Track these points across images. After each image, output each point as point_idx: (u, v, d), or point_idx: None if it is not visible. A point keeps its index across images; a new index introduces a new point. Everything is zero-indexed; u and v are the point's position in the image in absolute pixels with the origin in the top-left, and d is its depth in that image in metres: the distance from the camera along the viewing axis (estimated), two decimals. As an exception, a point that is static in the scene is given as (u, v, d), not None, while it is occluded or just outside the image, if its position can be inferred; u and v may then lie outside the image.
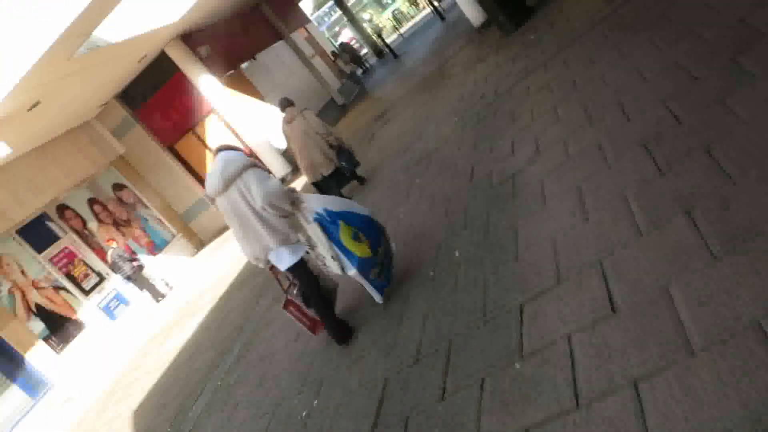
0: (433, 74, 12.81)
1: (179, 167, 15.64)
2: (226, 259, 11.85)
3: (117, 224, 14.41)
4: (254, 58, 17.20)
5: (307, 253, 4.15)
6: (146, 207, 15.42)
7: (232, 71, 15.79)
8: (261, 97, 16.30)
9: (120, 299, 13.15)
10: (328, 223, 3.99)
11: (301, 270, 4.21)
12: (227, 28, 16.59)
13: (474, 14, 12.92)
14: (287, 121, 7.70)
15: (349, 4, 35.09)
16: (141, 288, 12.76)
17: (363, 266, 4.04)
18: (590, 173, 3.71)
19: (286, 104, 7.82)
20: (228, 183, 3.86)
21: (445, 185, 5.64)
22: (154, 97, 15.08)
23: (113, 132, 15.29)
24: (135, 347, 10.92)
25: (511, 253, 3.56)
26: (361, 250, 4.06)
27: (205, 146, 15.49)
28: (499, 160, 5.13)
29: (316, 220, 3.96)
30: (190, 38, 14.54)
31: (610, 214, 3.15)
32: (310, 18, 23.64)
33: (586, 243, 3.08)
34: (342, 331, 4.29)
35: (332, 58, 15.14)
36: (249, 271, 9.14)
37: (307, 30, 22.08)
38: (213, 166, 4.02)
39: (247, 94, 15.84)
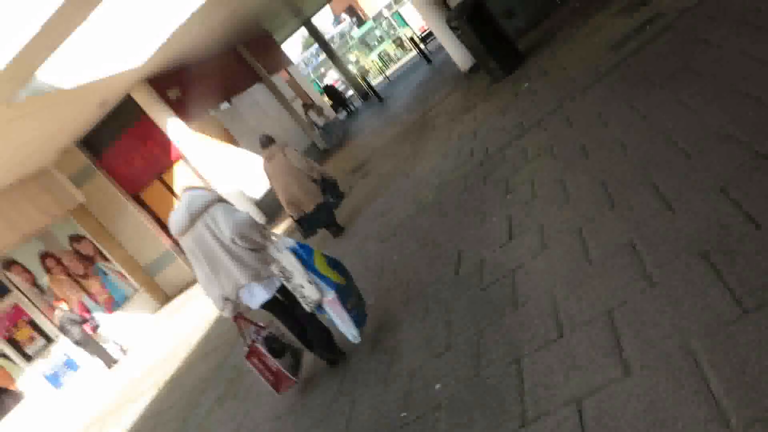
0: (416, 123, 11.89)
1: (144, 217, 14.49)
2: (191, 316, 10.86)
3: (73, 279, 13.16)
4: (229, 102, 16.27)
5: (281, 290, 3.97)
6: (107, 260, 14.19)
7: (204, 115, 14.81)
8: (235, 143, 15.30)
9: (69, 365, 11.84)
10: (300, 251, 3.89)
11: (276, 306, 4.07)
12: (200, 70, 15.68)
13: (461, 58, 12.10)
14: (268, 159, 7.46)
15: (335, 46, 34.62)
16: (92, 353, 11.46)
17: (341, 292, 3.91)
18: (626, 295, 2.62)
19: (266, 142, 7.56)
20: (195, 218, 3.74)
21: (423, 272, 4.56)
22: (118, 142, 14.04)
23: (72, 179, 14.16)
24: (78, 425, 9.60)
25: (515, 413, 2.45)
26: (336, 276, 3.98)
27: (173, 194, 14.39)
28: (491, 246, 4.07)
29: (289, 248, 3.87)
30: (157, 81, 13.60)
31: (667, 372, 2.06)
32: (293, 60, 22.86)
33: (635, 412, 1.99)
34: (333, 353, 4.18)
35: (304, 111, 14.29)
36: (215, 332, 8.22)
37: (288, 72, 21.29)
38: (178, 205, 3.93)
39: (220, 140, 14.84)
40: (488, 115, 8.01)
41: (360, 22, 46.08)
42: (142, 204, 14.50)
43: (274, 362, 4.05)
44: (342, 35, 42.10)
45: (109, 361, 11.45)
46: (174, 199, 14.28)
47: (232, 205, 3.99)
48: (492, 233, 4.26)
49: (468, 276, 3.92)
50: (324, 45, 26.75)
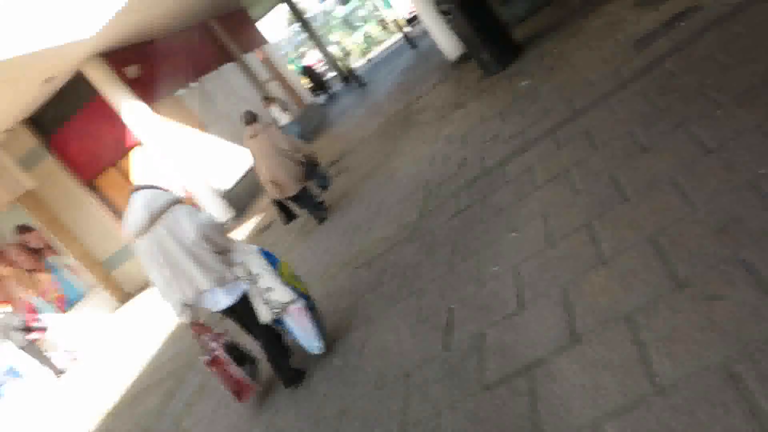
0: (399, 115, 10.81)
1: (101, 206, 13.26)
2: (153, 316, 9.89)
3: (19, 276, 11.93)
4: (197, 82, 14.99)
5: (245, 293, 3.75)
6: (59, 254, 12.95)
7: (167, 97, 13.54)
8: (202, 127, 14.07)
9: (12, 373, 10.68)
10: (267, 255, 3.82)
11: (239, 311, 3.86)
12: (165, 45, 14.37)
13: (449, 46, 11.04)
14: (251, 137, 7.12)
15: (316, 24, 33.17)
16: (38, 361, 10.31)
17: (308, 301, 3.88)
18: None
19: (250, 119, 7.28)
20: (154, 218, 3.55)
21: (403, 340, 3.51)
22: (70, 123, 12.74)
23: (20, 162, 12.85)
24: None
25: None
26: (302, 286, 3.93)
27: (131, 183, 13.16)
28: (494, 313, 3.03)
29: (256, 250, 3.81)
30: (114, 57, 12.30)
31: None
32: (275, 38, 21.49)
33: None
34: (294, 371, 3.98)
35: (264, 104, 13.05)
36: (178, 334, 7.52)
37: (264, 52, 19.96)
38: (132, 204, 3.68)
39: (185, 124, 13.59)
40: (481, 115, 6.99)
41: (345, 1, 44.58)
42: (97, 192, 13.25)
43: (236, 371, 3.94)
44: (325, 14, 40.57)
45: (56, 371, 10.30)
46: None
47: (192, 206, 3.82)
48: (493, 292, 3.22)
49: (462, 358, 2.87)
50: (304, 23, 25.37)
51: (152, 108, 12.70)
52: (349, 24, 38.15)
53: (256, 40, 19.93)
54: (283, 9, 25.12)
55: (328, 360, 3.92)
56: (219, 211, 12.75)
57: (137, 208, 3.63)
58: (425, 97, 10.75)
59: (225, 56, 17.23)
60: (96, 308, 12.86)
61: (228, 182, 13.61)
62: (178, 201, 3.69)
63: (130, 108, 12.31)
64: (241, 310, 3.84)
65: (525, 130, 5.40)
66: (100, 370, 9.38)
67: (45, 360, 10.16)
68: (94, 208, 13.15)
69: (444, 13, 8.35)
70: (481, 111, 7.19)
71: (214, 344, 3.97)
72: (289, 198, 7.31)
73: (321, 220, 7.59)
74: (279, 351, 4.04)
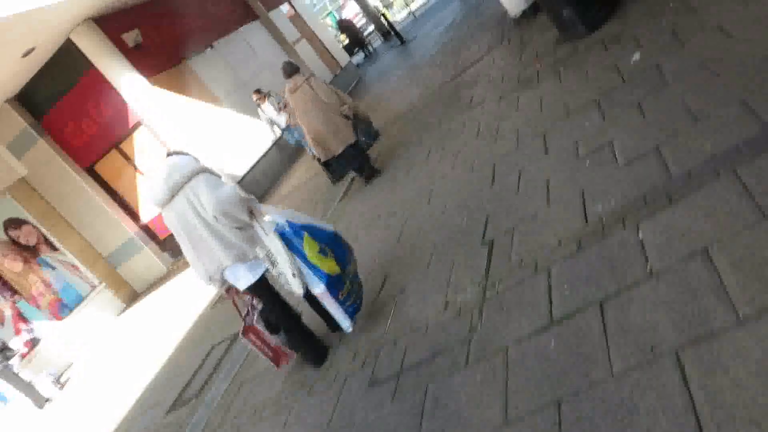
0: (446, 88, 8.56)
1: (102, 195, 11.61)
2: (165, 318, 8.78)
3: (7, 278, 10.45)
4: (211, 46, 12.97)
5: (268, 271, 3.63)
6: (55, 249, 11.41)
7: (174, 65, 11.61)
8: (215, 101, 12.12)
9: (-1, 398, 9.28)
10: (290, 234, 3.53)
11: (263, 289, 3.75)
12: (171, 5, 12.34)
13: (511, -3, 8.62)
14: (291, 91, 6.64)
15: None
16: (18, 389, 8.83)
17: (331, 284, 3.59)
18: None
19: (290, 70, 6.71)
20: (174, 191, 3.41)
21: None
22: (63, 102, 10.99)
23: (9, 148, 11.23)
24: None
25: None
26: (328, 266, 3.60)
27: (135, 168, 11.43)
28: None
29: (276, 231, 3.49)
30: (109, 22, 10.39)
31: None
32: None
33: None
34: (317, 351, 3.91)
35: (255, 99, 10.85)
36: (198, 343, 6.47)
37: (293, 6, 17.71)
38: (156, 173, 3.51)
39: (195, 97, 11.67)
40: (565, 103, 4.77)
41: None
42: (97, 179, 11.57)
43: (271, 338, 3.88)
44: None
45: (39, 400, 8.79)
46: (136, 173, 11.34)
47: (218, 176, 3.57)
48: None
49: None
50: (340, -27, 22.84)
51: (156, 80, 10.84)
52: (391, -28, 35.14)
53: (284, -6, 17.67)
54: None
55: None
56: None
57: (158, 179, 3.47)
58: (478, 65, 8.45)
59: (247, 14, 15.10)
60: (98, 312, 11.35)
61: (245, 165, 11.70)
62: (201, 170, 3.47)
63: (129, 81, 10.45)
64: (263, 290, 3.73)
65: (659, 148, 3.18)
66: (95, 396, 7.86)
67: (24, 387, 8.64)
68: (95, 197, 11.50)
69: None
70: (564, 96, 4.94)
71: (248, 308, 3.91)
72: (336, 156, 6.75)
73: (368, 179, 6.96)
74: (300, 336, 3.91)
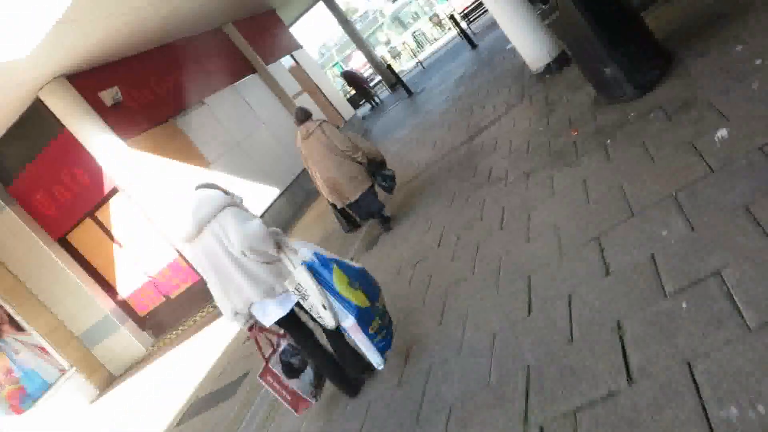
0: (457, 154, 7.37)
1: (76, 268, 10.41)
2: (146, 405, 7.69)
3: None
4: (202, 103, 11.97)
5: (299, 305, 3.56)
6: (21, 330, 10.15)
7: (158, 125, 10.57)
8: (205, 164, 11.02)
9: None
10: (319, 266, 3.41)
11: (292, 323, 3.69)
12: (159, 59, 11.40)
13: (532, 49, 7.52)
14: (304, 137, 6.41)
15: (363, 24, 29.98)
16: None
17: (361, 317, 3.41)
18: None
19: (302, 116, 6.51)
20: (202, 225, 3.38)
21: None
22: (32, 167, 9.92)
23: (-28, 217, 10.13)
24: None
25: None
26: (358, 298, 3.44)
27: (112, 239, 10.27)
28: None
29: (304, 264, 3.38)
30: (84, 78, 9.40)
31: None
32: (304, 44, 18.36)
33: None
34: (350, 382, 3.82)
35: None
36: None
37: (294, 59, 16.86)
38: (184, 206, 3.48)
39: (181, 159, 10.59)
40: (627, 194, 3.53)
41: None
42: (70, 250, 10.40)
43: (288, 382, 3.78)
44: (373, 11, 37.24)
45: None
46: (113, 244, 10.16)
47: (246, 209, 3.52)
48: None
49: None
50: (345, 23, 22.17)
51: (137, 142, 9.79)
52: (399, 21, 34.74)
53: (286, 46, 16.83)
54: (322, 8, 21.99)
55: None
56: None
57: (186, 213, 3.41)
58: (495, 126, 7.28)
59: (243, 68, 14.18)
60: (67, 400, 9.99)
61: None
62: (229, 204, 3.41)
63: (105, 144, 9.39)
64: (292, 324, 3.68)
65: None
66: None
67: None
68: (67, 271, 10.29)
69: (539, 1, 4.92)
70: (619, 181, 3.69)
71: (275, 345, 3.90)
72: (351, 204, 6.55)
73: (387, 225, 6.66)
74: (333, 368, 3.82)
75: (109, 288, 10.58)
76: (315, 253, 3.47)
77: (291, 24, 21.55)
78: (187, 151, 10.82)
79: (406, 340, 3.95)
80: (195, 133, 11.24)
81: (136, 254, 10.29)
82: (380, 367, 3.57)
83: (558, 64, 7.36)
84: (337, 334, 3.70)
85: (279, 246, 3.43)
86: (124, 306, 10.70)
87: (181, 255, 9.95)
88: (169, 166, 10.22)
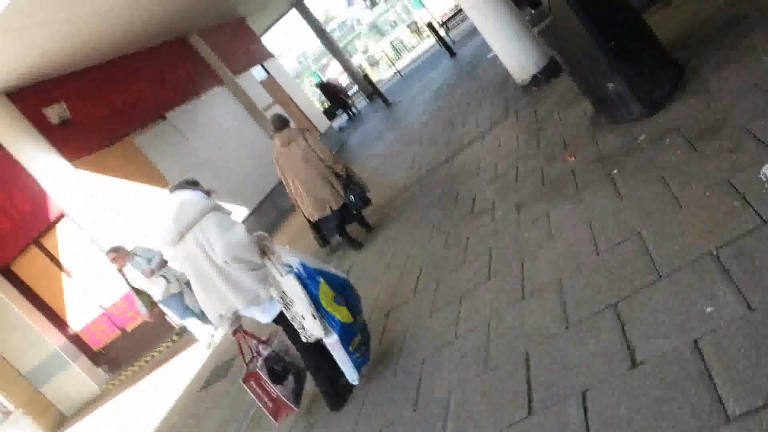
0: (436, 177, 6.62)
1: (20, 301, 9.47)
2: None
3: None
4: (163, 118, 11.12)
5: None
6: (-41, 371, 9.20)
7: (112, 143, 9.70)
8: (165, 184, 10.17)
9: None
10: (305, 278, 3.27)
11: (281, 325, 3.54)
12: (114, 71, 10.53)
13: (518, 58, 6.82)
14: (283, 145, 6.07)
15: (340, 33, 29.26)
16: None
17: (345, 333, 3.36)
18: None
19: (280, 123, 6.17)
20: (183, 231, 3.23)
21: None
22: (-31, 190, 8.99)
23: None
24: None
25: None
26: (342, 314, 3.37)
27: (60, 267, 9.37)
28: None
29: (291, 273, 3.24)
30: (26, 94, 8.53)
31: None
32: (276, 53, 17.57)
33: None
34: (339, 395, 3.63)
35: (110, 258, 7.66)
36: None
37: (266, 69, 16.03)
38: (165, 212, 3.33)
39: (138, 180, 9.73)
40: (647, 246, 2.79)
41: (373, 3, 40.51)
42: (14, 281, 9.47)
43: (273, 389, 3.62)
44: (351, 20, 36.51)
45: None
46: (61, 273, 9.27)
47: (228, 213, 3.37)
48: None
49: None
50: (320, 32, 21.43)
51: (86, 163, 8.95)
52: (377, 29, 34.06)
53: (256, 56, 16.02)
54: (296, 16, 21.20)
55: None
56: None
57: (168, 219, 3.26)
58: (477, 145, 6.55)
59: (210, 79, 13.34)
60: (11, 447, 9.04)
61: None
62: (211, 209, 3.27)
63: (49, 166, 8.52)
64: (283, 325, 3.52)
65: None
66: None
67: None
68: (11, 303, 9.35)
69: (532, 5, 4.21)
70: (635, 225, 2.95)
71: (254, 353, 3.77)
72: (333, 213, 6.26)
73: (367, 228, 6.58)
74: (324, 372, 3.61)
75: (58, 321, 9.65)
76: (302, 263, 3.34)
77: (263, 33, 20.74)
78: (144, 171, 9.96)
79: None
80: (154, 151, 10.37)
81: (87, 285, 9.39)
82: (355, 383, 3.50)
83: (546, 75, 6.66)
84: (312, 349, 3.53)
85: (264, 252, 3.30)
86: (76, 340, 9.77)
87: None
88: (124, 188, 9.36)
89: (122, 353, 9.86)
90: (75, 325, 9.72)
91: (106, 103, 9.98)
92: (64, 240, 9.18)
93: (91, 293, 9.46)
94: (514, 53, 6.82)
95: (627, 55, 3.88)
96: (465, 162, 6.31)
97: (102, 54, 10.08)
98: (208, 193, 3.49)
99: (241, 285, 3.27)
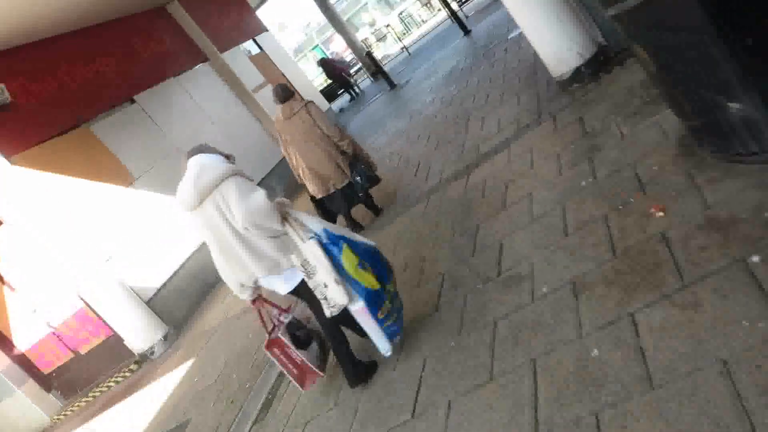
0: (452, 204, 5.10)
1: (-43, 316, 8.10)
2: None
3: None
4: (131, 101, 9.60)
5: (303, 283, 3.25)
6: None
7: (65, 132, 8.23)
8: (129, 180, 8.71)
9: None
10: (328, 243, 3.14)
11: (302, 295, 3.39)
12: (65, 44, 8.99)
13: (556, 44, 5.27)
14: (286, 116, 5.69)
15: (345, 4, 27.47)
16: None
17: (370, 300, 3.17)
18: None
19: (284, 95, 5.75)
20: (204, 195, 3.09)
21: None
22: None
23: None
24: None
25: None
26: (367, 280, 3.20)
27: (1, 280, 7.97)
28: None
29: (314, 238, 3.11)
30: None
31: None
32: (270, 27, 15.92)
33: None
34: (360, 371, 3.45)
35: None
36: None
37: (258, 44, 14.41)
38: (185, 174, 3.19)
39: (95, 177, 8.27)
40: None
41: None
42: (-51, 295, 8.07)
43: (297, 354, 3.53)
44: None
45: None
46: (3, 286, 7.88)
47: (249, 179, 3.20)
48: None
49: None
50: (323, 3, 19.72)
51: (29, 157, 7.52)
52: (385, 1, 32.15)
53: (247, 30, 14.39)
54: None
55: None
56: (139, 332, 7.54)
57: (187, 182, 3.13)
58: (500, 157, 5.03)
59: (192, 56, 11.77)
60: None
61: (157, 278, 8.25)
62: (232, 173, 3.10)
63: (-19, 160, 7.07)
64: (304, 294, 3.35)
65: None
66: None
67: None
68: (-55, 321, 7.99)
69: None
70: None
71: (275, 321, 3.68)
72: (335, 192, 5.82)
73: (375, 212, 6.18)
74: (343, 345, 3.47)
75: (1, 341, 8.29)
76: (324, 229, 3.19)
77: (261, 3, 19.02)
78: (103, 164, 8.48)
79: None
80: (117, 140, 8.87)
81: (33, 300, 8.01)
82: (388, 354, 3.35)
83: (592, 69, 5.11)
84: (334, 324, 3.41)
85: (285, 218, 3.15)
86: (22, 362, 8.41)
87: (87, 305, 7.71)
88: (78, 186, 7.91)
89: (76, 377, 8.53)
90: (19, 345, 8.36)
91: (59, 84, 8.47)
92: (5, 249, 7.77)
93: (37, 310, 8.09)
94: (551, 37, 5.25)
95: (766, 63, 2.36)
96: (484, 182, 4.80)
97: (57, 25, 8.55)
98: (227, 157, 3.30)
99: (261, 252, 3.15)
